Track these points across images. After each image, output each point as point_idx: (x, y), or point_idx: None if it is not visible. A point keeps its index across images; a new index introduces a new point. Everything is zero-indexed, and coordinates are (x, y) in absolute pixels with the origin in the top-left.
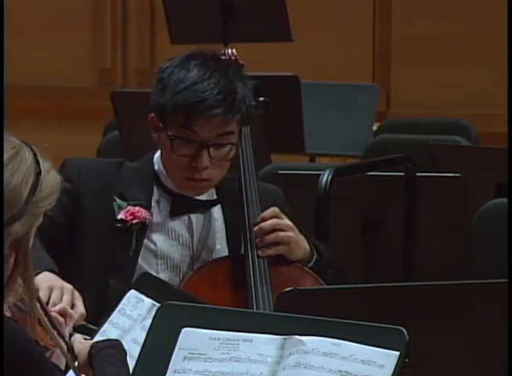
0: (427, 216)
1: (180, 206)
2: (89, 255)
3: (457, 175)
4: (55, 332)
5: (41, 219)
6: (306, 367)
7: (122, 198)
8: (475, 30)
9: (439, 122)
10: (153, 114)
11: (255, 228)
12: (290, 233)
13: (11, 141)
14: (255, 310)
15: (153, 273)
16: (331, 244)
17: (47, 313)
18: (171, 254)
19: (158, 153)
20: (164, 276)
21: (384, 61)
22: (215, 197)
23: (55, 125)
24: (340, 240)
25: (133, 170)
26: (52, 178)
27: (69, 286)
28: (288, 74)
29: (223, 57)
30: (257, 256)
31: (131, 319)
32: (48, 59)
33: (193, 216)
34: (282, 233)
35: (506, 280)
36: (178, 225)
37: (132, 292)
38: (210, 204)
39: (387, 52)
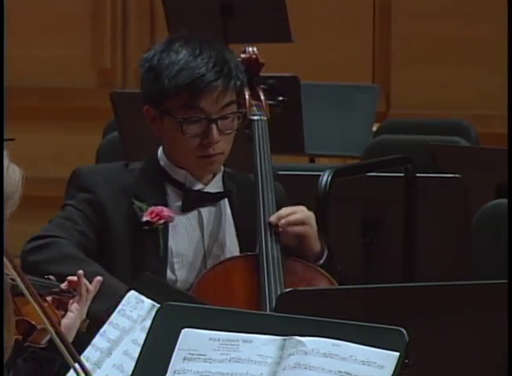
0: (427, 217)
1: (191, 200)
2: (120, 262)
3: (457, 175)
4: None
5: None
6: (306, 368)
7: (139, 200)
8: (475, 30)
9: (439, 123)
10: (147, 106)
11: (272, 218)
12: (308, 227)
13: None
14: (255, 311)
15: (169, 273)
16: (331, 244)
17: (43, 308)
18: (185, 252)
19: (160, 150)
20: (180, 274)
21: (383, 61)
22: (223, 189)
23: (55, 126)
24: (340, 240)
25: (140, 171)
26: (12, 178)
27: None
28: (288, 74)
29: (243, 55)
30: (272, 248)
31: (130, 320)
32: (48, 59)
33: (204, 210)
34: (299, 228)
35: (506, 281)
36: (189, 221)
37: (132, 293)
38: (219, 196)
39: (387, 52)
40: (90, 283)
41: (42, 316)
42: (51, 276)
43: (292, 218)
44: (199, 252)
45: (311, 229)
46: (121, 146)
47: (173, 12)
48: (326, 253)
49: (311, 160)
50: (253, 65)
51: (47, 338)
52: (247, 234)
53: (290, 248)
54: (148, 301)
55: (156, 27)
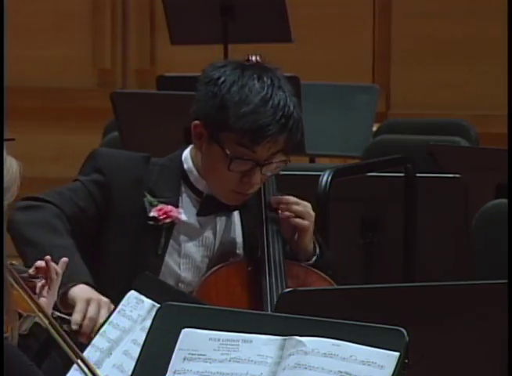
0: (426, 217)
1: (208, 207)
2: (116, 250)
3: (457, 175)
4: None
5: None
6: (306, 368)
7: (152, 195)
8: (475, 30)
9: (439, 123)
10: (198, 122)
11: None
12: (306, 222)
13: None
14: (255, 311)
15: (177, 272)
16: (331, 244)
17: (32, 298)
18: (194, 255)
19: (187, 152)
20: (185, 275)
21: (383, 61)
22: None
23: (55, 126)
24: (340, 240)
25: (161, 166)
26: (9, 169)
27: (106, 300)
28: (288, 74)
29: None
30: (274, 252)
31: (130, 320)
32: (48, 59)
33: (218, 218)
34: (298, 220)
35: (506, 281)
36: (203, 226)
37: (132, 293)
38: (234, 207)
39: (387, 52)
40: (56, 258)
41: (32, 304)
42: (14, 262)
43: (293, 207)
44: (206, 257)
45: (310, 225)
46: (121, 146)
47: (173, 12)
48: (316, 254)
49: (311, 160)
50: None
51: (27, 324)
52: (254, 246)
53: (284, 242)
54: (148, 301)
55: (156, 27)
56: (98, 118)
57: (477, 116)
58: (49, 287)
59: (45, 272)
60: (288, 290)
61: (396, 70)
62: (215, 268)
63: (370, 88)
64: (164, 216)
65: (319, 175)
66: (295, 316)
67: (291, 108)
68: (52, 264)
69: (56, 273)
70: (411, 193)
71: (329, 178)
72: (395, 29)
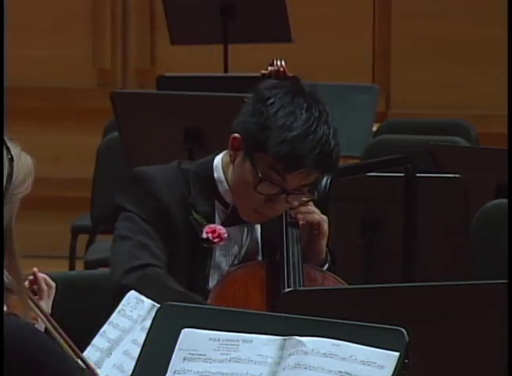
0: (427, 217)
1: (233, 218)
2: (178, 272)
3: (457, 175)
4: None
5: (17, 206)
6: (306, 368)
7: (194, 210)
8: (475, 30)
9: (439, 123)
10: (238, 136)
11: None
12: (325, 225)
13: None
14: (255, 311)
15: (210, 284)
16: (331, 244)
17: (36, 304)
18: (221, 265)
19: (218, 160)
20: (211, 285)
21: (383, 61)
22: None
23: (55, 126)
24: (340, 240)
25: (193, 175)
26: (24, 163)
27: None
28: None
29: (270, 68)
30: (293, 254)
31: (130, 320)
32: (48, 59)
33: (242, 228)
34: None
35: (506, 281)
36: (230, 236)
37: (132, 293)
38: None
39: (387, 52)
40: None
41: (38, 311)
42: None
43: (311, 209)
44: (232, 266)
45: (326, 230)
46: (121, 146)
47: (173, 12)
48: (328, 263)
49: None
50: (280, 78)
51: None
52: (272, 249)
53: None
54: (148, 301)
55: (156, 27)
56: (98, 118)
57: (477, 116)
58: (41, 298)
59: (35, 284)
60: (288, 290)
61: (396, 70)
62: (234, 268)
63: (370, 88)
64: (219, 239)
65: None
66: (295, 316)
67: (331, 146)
68: (41, 275)
69: (47, 284)
70: (411, 193)
71: (330, 178)
72: (395, 29)
